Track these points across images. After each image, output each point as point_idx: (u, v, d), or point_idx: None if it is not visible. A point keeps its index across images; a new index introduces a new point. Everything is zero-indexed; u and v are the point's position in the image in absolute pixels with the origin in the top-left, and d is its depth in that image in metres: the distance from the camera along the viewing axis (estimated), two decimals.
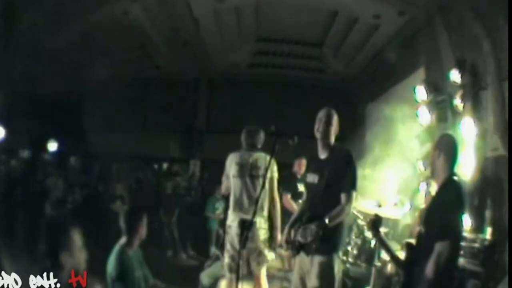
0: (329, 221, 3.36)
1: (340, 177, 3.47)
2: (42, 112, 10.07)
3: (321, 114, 3.66)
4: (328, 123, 3.61)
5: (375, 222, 3.35)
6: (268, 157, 4.26)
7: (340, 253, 3.70)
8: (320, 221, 3.36)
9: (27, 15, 7.45)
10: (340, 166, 3.50)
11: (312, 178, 3.70)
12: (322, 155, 3.69)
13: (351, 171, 3.52)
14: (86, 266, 2.01)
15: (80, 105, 11.91)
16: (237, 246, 4.44)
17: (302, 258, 3.58)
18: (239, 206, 4.71)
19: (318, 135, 3.65)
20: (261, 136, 4.90)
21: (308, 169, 3.93)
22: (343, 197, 3.45)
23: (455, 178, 2.93)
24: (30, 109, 9.63)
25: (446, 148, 3.02)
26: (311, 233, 3.36)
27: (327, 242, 3.41)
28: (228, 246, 4.71)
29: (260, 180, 4.56)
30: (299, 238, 3.46)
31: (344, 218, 3.53)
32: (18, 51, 7.71)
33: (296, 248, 3.56)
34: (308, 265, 3.51)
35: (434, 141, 3.77)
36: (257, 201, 3.95)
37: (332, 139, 3.67)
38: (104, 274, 3.43)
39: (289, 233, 3.68)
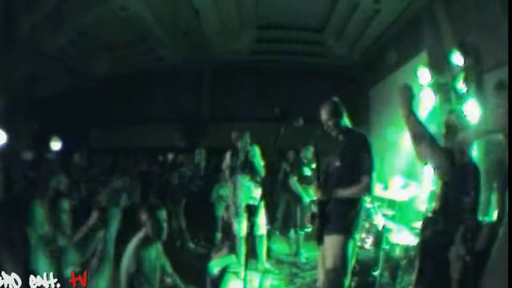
0: (342, 192, 3.44)
1: (355, 160, 3.48)
2: (43, 111, 10.05)
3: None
4: (323, 119, 3.61)
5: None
6: None
7: (357, 236, 3.64)
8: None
9: (26, 16, 7.45)
10: (354, 149, 3.52)
11: (328, 160, 3.67)
12: (339, 138, 3.66)
13: (367, 153, 3.53)
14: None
15: (83, 101, 11.93)
16: None
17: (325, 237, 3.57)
18: None
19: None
20: None
21: (327, 153, 3.80)
22: (363, 178, 3.45)
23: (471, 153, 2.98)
24: (31, 110, 9.63)
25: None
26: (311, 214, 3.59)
27: (340, 223, 3.42)
28: None
29: None
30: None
31: (360, 196, 3.57)
32: (18, 53, 7.72)
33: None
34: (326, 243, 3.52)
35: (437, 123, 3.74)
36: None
37: (341, 126, 3.63)
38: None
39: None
